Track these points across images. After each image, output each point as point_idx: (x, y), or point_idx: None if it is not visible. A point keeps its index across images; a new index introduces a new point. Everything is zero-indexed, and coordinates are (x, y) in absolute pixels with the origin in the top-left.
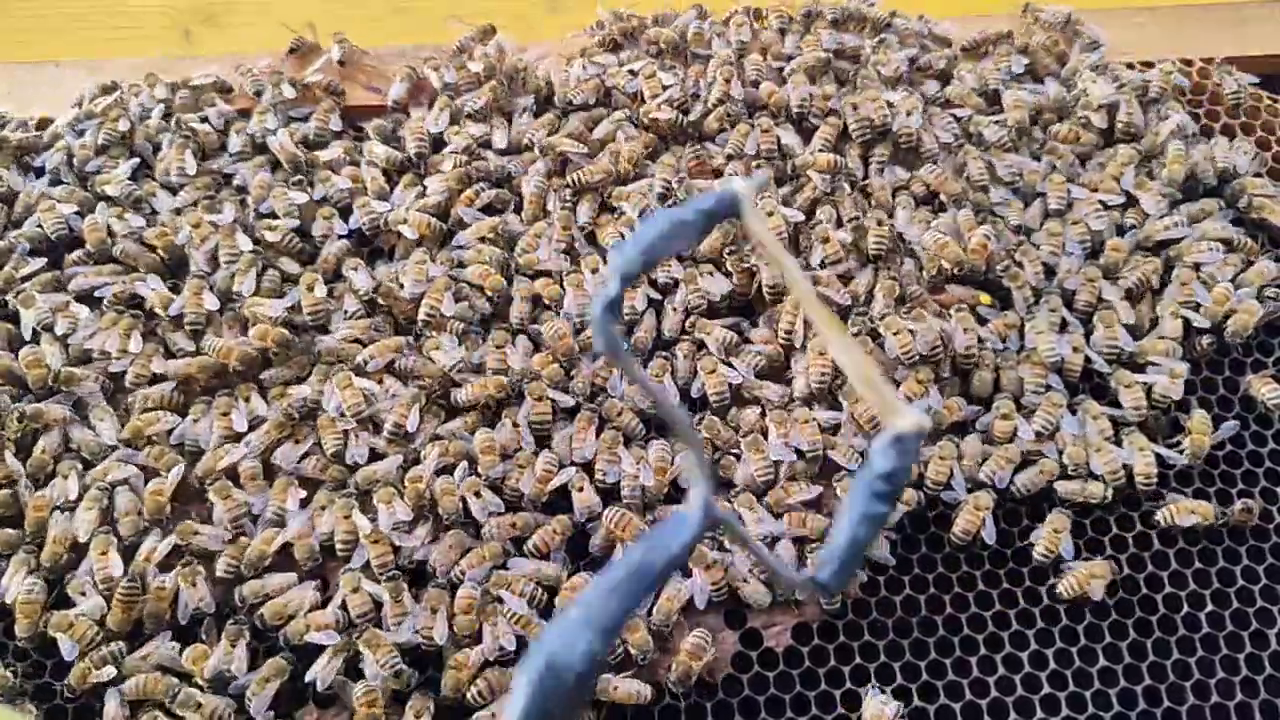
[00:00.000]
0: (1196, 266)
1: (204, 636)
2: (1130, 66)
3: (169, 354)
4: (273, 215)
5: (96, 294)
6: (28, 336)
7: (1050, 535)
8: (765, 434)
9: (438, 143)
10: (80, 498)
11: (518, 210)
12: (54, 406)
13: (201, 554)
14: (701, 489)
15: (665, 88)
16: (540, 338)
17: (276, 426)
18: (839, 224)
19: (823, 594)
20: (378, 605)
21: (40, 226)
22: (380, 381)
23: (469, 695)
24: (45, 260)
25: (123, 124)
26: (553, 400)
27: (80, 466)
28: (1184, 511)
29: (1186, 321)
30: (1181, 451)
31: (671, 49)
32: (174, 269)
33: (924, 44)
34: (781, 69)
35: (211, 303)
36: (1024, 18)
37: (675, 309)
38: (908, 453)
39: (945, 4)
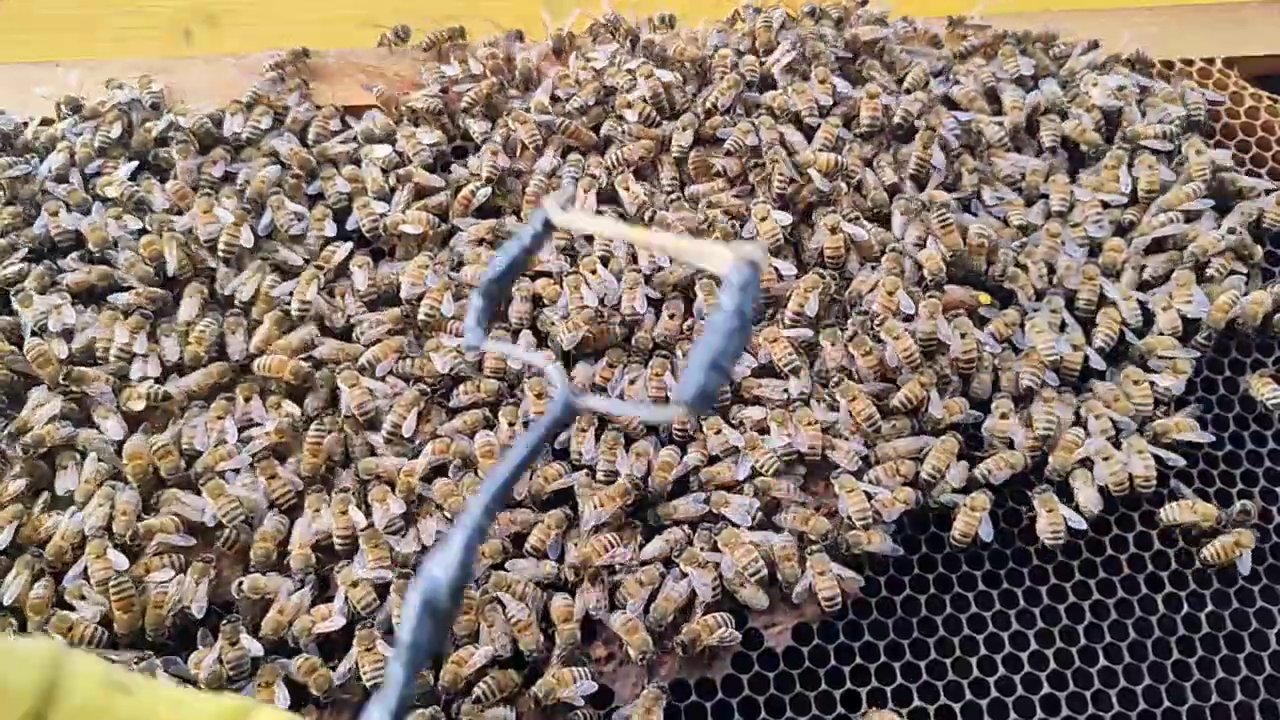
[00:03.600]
0: (1198, 268)
1: (201, 645)
2: (1132, 68)
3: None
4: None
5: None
6: (26, 335)
7: (1050, 516)
8: (764, 433)
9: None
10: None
11: (516, 213)
12: (50, 427)
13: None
14: (562, 386)
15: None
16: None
17: (278, 432)
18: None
19: (691, 412)
20: (380, 591)
21: (46, 229)
22: (383, 380)
23: (475, 693)
24: (27, 262)
25: (116, 129)
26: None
27: (79, 457)
28: (1186, 511)
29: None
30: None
31: (696, 66)
32: (164, 276)
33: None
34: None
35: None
36: (952, 31)
37: (673, 316)
38: (747, 285)
39: (945, 4)
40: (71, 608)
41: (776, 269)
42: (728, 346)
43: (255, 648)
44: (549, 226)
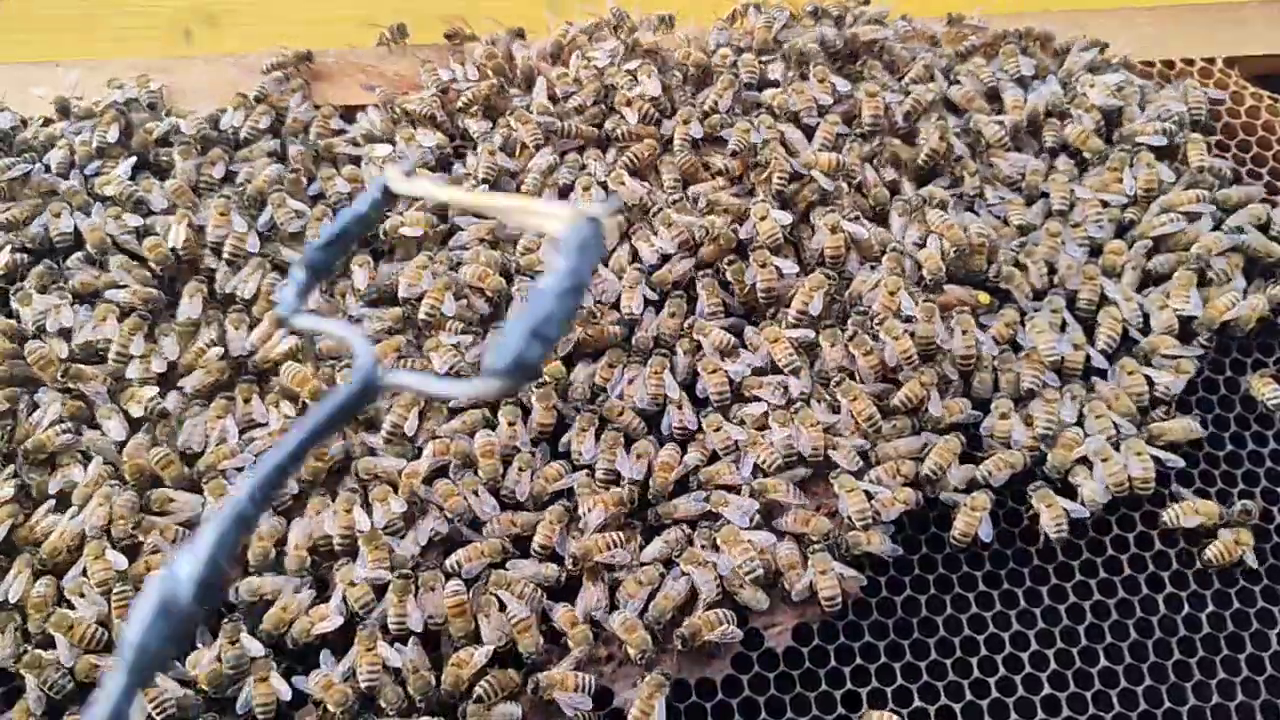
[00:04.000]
0: (1200, 272)
1: (200, 644)
2: (1129, 68)
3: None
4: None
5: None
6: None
7: (1050, 511)
8: (764, 429)
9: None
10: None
11: None
12: (50, 432)
13: None
14: (363, 361)
15: (663, 90)
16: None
17: (283, 432)
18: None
19: (505, 383)
20: (378, 591)
21: (45, 229)
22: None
23: (477, 693)
24: (19, 253)
25: (113, 131)
26: (559, 410)
27: (80, 456)
28: (1189, 512)
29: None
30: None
31: (700, 70)
32: (165, 280)
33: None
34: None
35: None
36: (950, 30)
37: (674, 314)
38: (586, 245)
39: (945, 4)
40: (73, 606)
41: (778, 267)
42: (555, 312)
43: (255, 647)
44: (388, 194)
